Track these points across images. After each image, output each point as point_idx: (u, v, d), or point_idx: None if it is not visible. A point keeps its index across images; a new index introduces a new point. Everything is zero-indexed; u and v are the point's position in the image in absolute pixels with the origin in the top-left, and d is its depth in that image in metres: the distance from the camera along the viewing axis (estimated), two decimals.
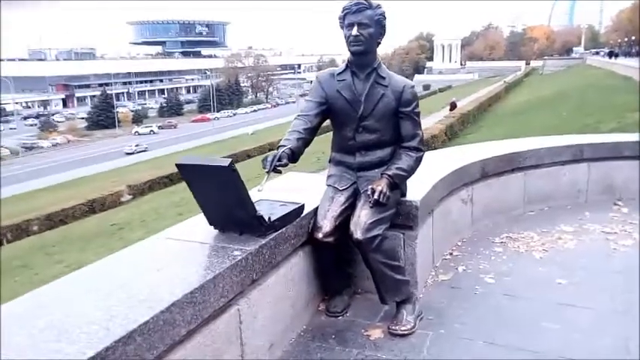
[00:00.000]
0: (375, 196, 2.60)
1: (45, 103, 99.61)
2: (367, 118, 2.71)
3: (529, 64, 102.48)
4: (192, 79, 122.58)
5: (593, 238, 3.94)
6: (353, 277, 2.99)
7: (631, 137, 5.09)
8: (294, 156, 2.53)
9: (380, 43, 2.72)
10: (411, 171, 2.76)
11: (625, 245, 3.76)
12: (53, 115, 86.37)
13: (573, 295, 3.01)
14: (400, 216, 2.89)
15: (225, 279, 1.95)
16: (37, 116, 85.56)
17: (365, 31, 2.60)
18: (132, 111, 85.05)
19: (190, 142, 56.12)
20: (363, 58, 2.67)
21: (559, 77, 52.81)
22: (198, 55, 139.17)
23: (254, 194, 2.38)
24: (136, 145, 54.65)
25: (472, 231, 4.02)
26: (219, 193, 2.16)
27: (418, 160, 2.78)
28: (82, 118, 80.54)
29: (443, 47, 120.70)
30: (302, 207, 2.59)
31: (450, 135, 23.55)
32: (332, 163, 2.92)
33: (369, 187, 2.66)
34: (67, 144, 64.56)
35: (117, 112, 78.13)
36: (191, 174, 2.14)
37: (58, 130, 72.61)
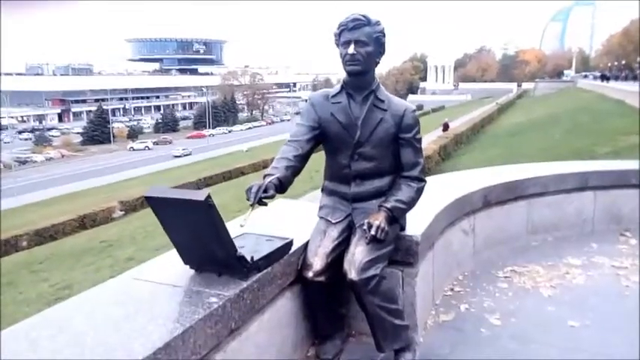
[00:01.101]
0: (372, 232, 2.34)
1: (40, 118, 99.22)
2: (364, 145, 2.46)
3: (521, 86, 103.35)
4: (189, 96, 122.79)
5: (603, 273, 3.69)
6: (346, 319, 2.71)
7: (637, 165, 4.88)
8: (282, 186, 2.28)
9: (379, 62, 2.48)
10: (411, 203, 2.51)
11: (637, 282, 3.51)
12: (49, 129, 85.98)
13: (586, 340, 2.75)
14: (399, 252, 2.63)
15: (198, 332, 1.67)
16: (32, 130, 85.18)
17: (362, 50, 2.37)
18: (127, 126, 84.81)
19: (184, 158, 55.82)
20: (360, 78, 2.44)
21: (550, 99, 53.08)
22: (195, 72, 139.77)
23: (236, 229, 2.12)
24: (183, 149, 61.39)
25: (474, 263, 3.76)
26: (194, 230, 1.89)
27: (419, 191, 2.53)
28: (78, 133, 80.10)
29: (436, 68, 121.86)
30: (290, 243, 2.32)
31: (444, 155, 23.42)
32: (324, 192, 2.66)
33: (366, 221, 2.40)
34: (61, 158, 64.08)
35: (112, 127, 77.91)
36: (161, 207, 1.88)
37: (52, 144, 72.23)
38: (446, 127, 32.74)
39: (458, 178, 4.23)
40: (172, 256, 2.15)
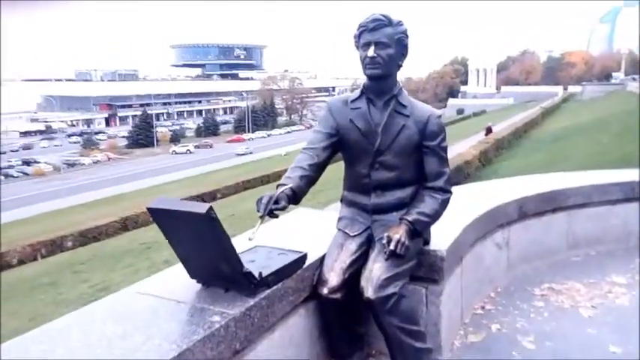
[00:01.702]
0: (392, 247, 2.19)
1: (89, 122, 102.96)
2: (385, 153, 2.32)
3: (567, 89, 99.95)
4: (230, 101, 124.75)
5: None
6: (365, 337, 2.56)
7: None
8: (295, 197, 2.16)
9: (401, 65, 2.34)
10: (435, 216, 2.35)
11: None
12: (97, 133, 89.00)
13: None
14: (422, 267, 2.47)
15: (196, 354, 1.58)
16: (81, 134, 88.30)
17: (383, 52, 2.24)
18: (170, 131, 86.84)
19: (224, 162, 56.64)
20: (380, 83, 2.30)
21: (598, 103, 51.03)
22: (235, 77, 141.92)
23: (244, 243, 2.01)
24: (246, 148, 65.91)
25: (508, 279, 3.54)
26: (198, 244, 1.80)
27: (444, 203, 2.37)
28: (123, 137, 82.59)
29: (478, 71, 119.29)
30: (304, 257, 2.20)
31: (485, 161, 22.78)
32: (343, 203, 2.53)
33: (385, 234, 2.25)
34: (108, 161, 66.15)
35: (156, 131, 79.95)
36: (165, 220, 1.80)
37: (99, 147, 74.66)
38: (489, 131, 31.89)
39: (491, 187, 4.01)
40: (180, 268, 2.07)
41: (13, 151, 75.55)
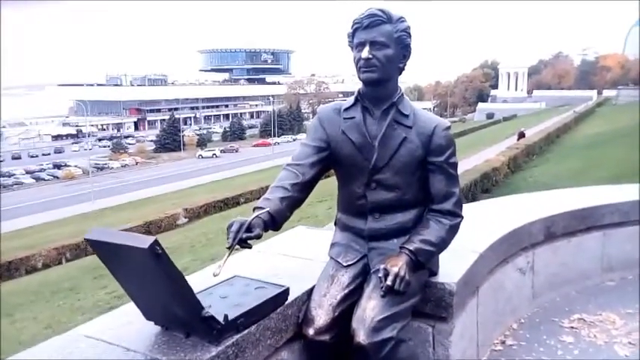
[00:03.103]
0: (389, 282, 1.85)
1: (118, 126, 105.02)
2: (382, 170, 1.99)
3: (601, 93, 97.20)
4: (256, 105, 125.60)
5: None
6: None
7: None
8: (274, 222, 1.85)
9: (403, 68, 2.01)
10: (441, 244, 2.00)
11: None
12: (126, 137, 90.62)
13: None
14: (428, 302, 2.12)
15: None
16: (111, 138, 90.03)
17: (380, 53, 1.91)
18: (197, 135, 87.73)
19: (249, 166, 56.79)
20: (377, 88, 1.97)
21: (634, 108, 49.27)
22: (262, 81, 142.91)
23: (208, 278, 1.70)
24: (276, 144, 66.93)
25: (533, 309, 3.14)
26: (146, 283, 1.50)
27: (453, 230, 2.02)
28: (151, 141, 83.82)
29: (508, 75, 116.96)
30: (285, 292, 1.88)
31: (514, 167, 22.02)
32: (337, 226, 2.20)
33: (382, 266, 1.92)
34: (135, 165, 67.12)
35: (183, 135, 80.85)
36: (106, 253, 1.50)
37: (128, 151, 75.90)
38: (521, 135, 30.94)
39: (514, 204, 3.61)
40: None
41: (45, 154, 77.51)
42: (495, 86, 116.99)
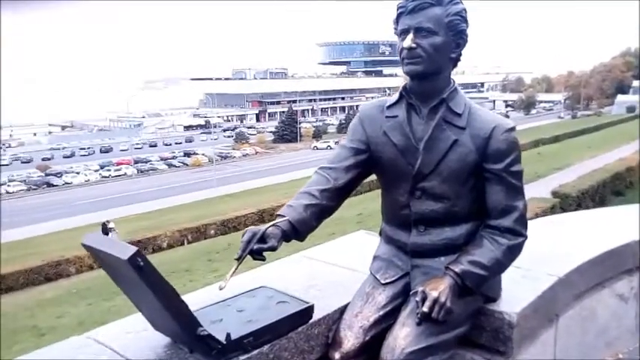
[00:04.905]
0: (425, 308, 1.59)
1: (242, 117, 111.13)
2: (429, 177, 1.72)
3: None
4: (372, 97, 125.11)
5: None
6: None
7: None
8: (296, 233, 1.67)
9: (457, 58, 1.71)
10: (495, 268, 1.69)
11: None
12: (248, 128, 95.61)
13: None
14: (484, 332, 1.81)
15: None
16: (234, 129, 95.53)
17: (426, 41, 1.64)
18: (314, 127, 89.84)
19: None
20: (424, 83, 1.70)
21: None
22: (379, 74, 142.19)
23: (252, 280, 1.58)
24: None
25: (635, 343, 2.62)
26: (141, 294, 1.41)
27: (512, 251, 1.69)
28: (270, 132, 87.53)
29: None
30: (308, 311, 1.70)
31: None
32: (382, 237, 1.97)
33: (419, 289, 1.66)
34: (255, 155, 70.65)
35: (300, 127, 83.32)
36: (102, 260, 1.43)
37: (249, 141, 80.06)
38: None
39: (619, 216, 3.06)
40: None
41: (177, 143, 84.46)
42: (638, 77, 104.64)
